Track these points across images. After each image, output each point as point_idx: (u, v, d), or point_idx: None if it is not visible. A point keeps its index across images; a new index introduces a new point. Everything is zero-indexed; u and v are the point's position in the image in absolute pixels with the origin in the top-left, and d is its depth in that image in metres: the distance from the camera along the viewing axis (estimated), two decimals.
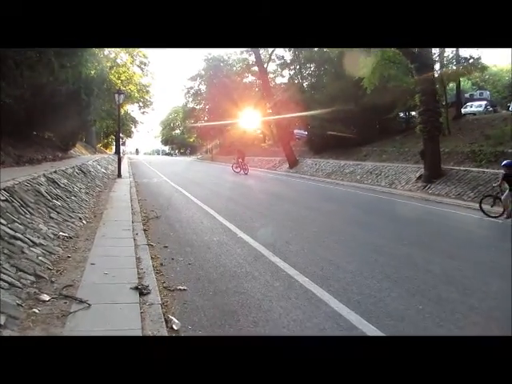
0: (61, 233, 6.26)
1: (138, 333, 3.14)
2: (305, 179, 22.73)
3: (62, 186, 9.22)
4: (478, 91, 39.12)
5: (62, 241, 5.93)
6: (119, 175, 18.48)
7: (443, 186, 15.60)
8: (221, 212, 9.66)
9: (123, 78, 44.87)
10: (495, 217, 10.03)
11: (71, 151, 24.92)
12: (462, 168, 16.32)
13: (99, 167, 20.02)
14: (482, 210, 10.52)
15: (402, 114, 29.88)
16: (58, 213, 7.17)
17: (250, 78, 48.06)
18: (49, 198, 7.56)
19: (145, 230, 7.41)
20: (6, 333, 2.87)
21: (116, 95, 18.26)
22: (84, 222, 7.61)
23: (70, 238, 6.25)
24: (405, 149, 22.80)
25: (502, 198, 9.90)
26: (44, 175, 8.73)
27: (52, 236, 5.90)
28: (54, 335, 2.94)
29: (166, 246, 6.41)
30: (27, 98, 13.47)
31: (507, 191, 9.70)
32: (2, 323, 2.98)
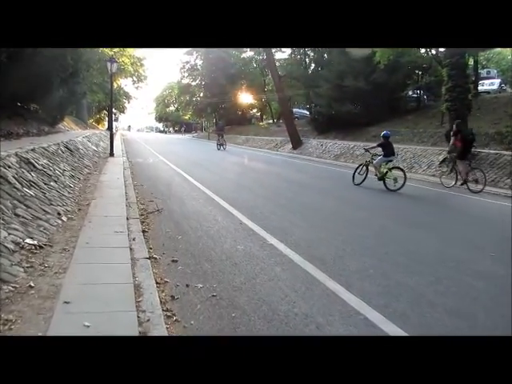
0: (27, 240, 4.36)
1: None
2: (312, 162, 20.83)
3: (40, 168, 7.26)
4: (484, 69, 37.13)
5: (25, 254, 4.05)
6: (111, 154, 16.44)
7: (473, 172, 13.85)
8: (235, 204, 7.79)
9: (116, 49, 41.99)
10: None
11: (59, 126, 22.73)
12: (491, 151, 14.53)
13: (89, 144, 17.94)
14: None
15: (410, 93, 27.96)
16: (28, 207, 5.25)
17: (248, 53, 45.43)
18: (17, 186, 5.62)
19: (144, 232, 5.54)
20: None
21: (108, 63, 16.03)
22: (64, 218, 5.69)
23: (40, 247, 4.36)
24: (419, 129, 20.94)
25: None
26: (16, 154, 6.76)
27: (11, 247, 4.00)
28: (52, 335, 2.65)
29: (176, 260, 4.55)
30: (5, 63, 11.35)
31: None
32: None
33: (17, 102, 16.67)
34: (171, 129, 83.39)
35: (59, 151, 10.37)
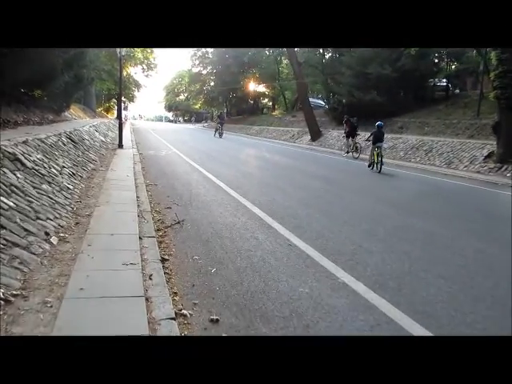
0: None
1: None
2: (336, 155, 19.10)
3: (30, 166, 5.67)
4: None
5: None
6: (120, 145, 14.83)
7: None
8: (272, 212, 6.18)
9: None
10: None
11: (66, 114, 21.20)
12: None
13: (97, 134, 16.35)
14: None
15: (437, 81, 25.98)
16: (1, 227, 3.66)
17: None
18: None
19: (164, 261, 3.95)
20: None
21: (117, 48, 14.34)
22: (53, 240, 4.10)
23: (6, 301, 2.77)
24: (452, 120, 19.04)
25: None
26: None
27: None
28: (54, 335, 2.49)
29: (216, 320, 2.94)
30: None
31: None
32: None
33: (19, 88, 15.16)
34: (181, 118, 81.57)
35: (59, 143, 8.77)
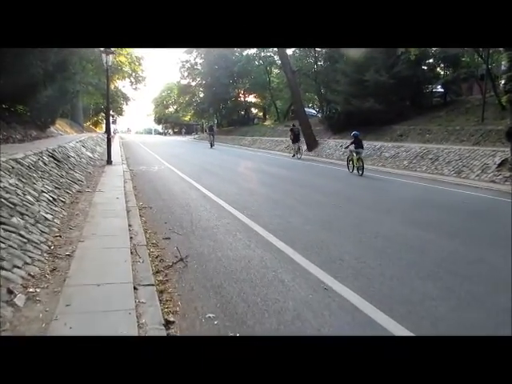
0: None
1: None
2: (337, 166, 18.19)
3: None
4: None
5: None
6: (109, 161, 13.74)
7: None
8: (295, 244, 5.17)
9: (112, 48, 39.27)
10: None
11: (51, 129, 20.08)
12: None
13: (84, 150, 15.26)
14: None
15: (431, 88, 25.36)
16: None
17: (252, 50, 42.71)
18: None
19: (168, 324, 2.91)
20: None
21: (103, 55, 13.34)
22: (19, 301, 3.02)
23: None
24: (455, 127, 18.28)
25: None
26: None
27: None
28: (52, 336, 2.53)
29: None
30: None
31: None
32: None
33: (0, 104, 14.14)
34: (170, 130, 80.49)
35: (40, 163, 7.70)
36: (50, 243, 4.45)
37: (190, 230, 5.76)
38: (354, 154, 14.20)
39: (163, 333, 2.79)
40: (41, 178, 6.87)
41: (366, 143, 21.03)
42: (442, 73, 24.37)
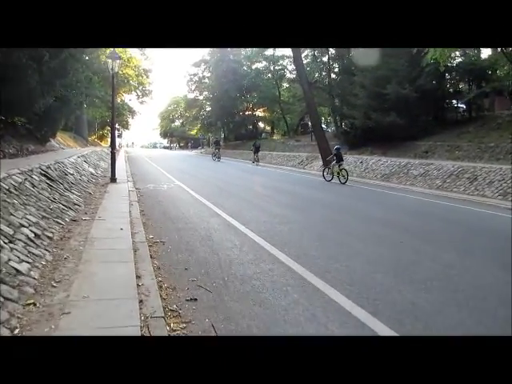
0: None
1: None
2: (358, 183, 16.58)
3: None
4: None
5: None
6: (113, 178, 12.16)
7: None
8: (389, 312, 3.54)
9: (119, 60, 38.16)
10: None
11: (52, 143, 18.64)
12: None
13: (85, 166, 13.74)
14: None
15: (455, 102, 23.86)
16: None
17: (262, 64, 41.49)
18: None
19: None
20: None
21: (109, 61, 11.87)
22: None
23: None
24: (488, 144, 16.69)
25: None
26: None
27: None
28: (53, 335, 2.48)
29: None
30: None
31: None
32: None
33: None
34: (176, 144, 79.28)
35: (26, 184, 6.14)
36: (14, 322, 2.80)
37: (222, 282, 4.11)
38: (336, 166, 16.05)
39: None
40: (24, 205, 5.28)
41: (387, 159, 19.51)
42: (462, 86, 22.93)
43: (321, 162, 22.85)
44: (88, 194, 9.09)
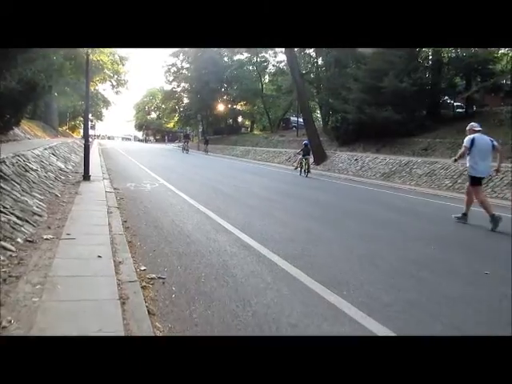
0: None
1: None
2: (356, 183, 15.08)
3: None
4: None
5: None
6: (86, 176, 10.12)
7: None
8: None
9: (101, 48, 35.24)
10: None
11: (16, 131, 16.28)
12: None
13: (53, 159, 11.62)
14: None
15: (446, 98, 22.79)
16: None
17: (244, 55, 39.53)
18: None
19: None
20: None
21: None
22: None
23: None
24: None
25: None
26: None
27: None
28: (50, 336, 2.31)
29: None
30: None
31: None
32: None
33: None
34: (152, 137, 76.19)
35: None
36: None
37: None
38: (304, 160, 16.47)
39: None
40: None
41: (385, 157, 18.11)
42: (457, 81, 21.80)
43: (311, 159, 21.30)
44: (54, 197, 7.09)
